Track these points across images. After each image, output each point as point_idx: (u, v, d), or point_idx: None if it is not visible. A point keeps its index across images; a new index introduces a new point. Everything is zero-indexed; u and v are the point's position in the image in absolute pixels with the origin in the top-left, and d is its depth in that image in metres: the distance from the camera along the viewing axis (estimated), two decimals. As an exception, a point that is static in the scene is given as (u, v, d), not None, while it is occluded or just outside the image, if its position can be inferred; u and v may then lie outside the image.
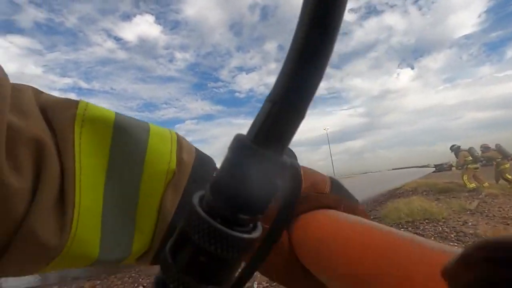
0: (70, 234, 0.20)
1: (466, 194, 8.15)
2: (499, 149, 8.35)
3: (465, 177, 8.22)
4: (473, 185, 8.01)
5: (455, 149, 8.63)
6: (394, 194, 12.59)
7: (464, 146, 8.82)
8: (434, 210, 5.44)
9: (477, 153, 8.31)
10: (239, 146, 0.15)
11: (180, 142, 0.29)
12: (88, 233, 0.21)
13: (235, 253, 0.15)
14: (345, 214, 0.27)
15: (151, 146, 0.25)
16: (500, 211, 5.70)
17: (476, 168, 8.27)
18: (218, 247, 0.15)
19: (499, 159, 8.27)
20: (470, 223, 4.73)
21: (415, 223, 5.13)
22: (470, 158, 8.18)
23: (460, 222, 4.84)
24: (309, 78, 0.14)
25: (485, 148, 8.65)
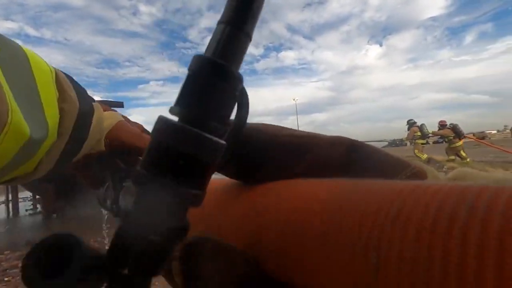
0: (9, 112, 0.21)
1: (433, 168, 8.27)
2: (453, 127, 8.77)
3: (416, 151, 8.68)
4: (425, 156, 8.36)
5: (410, 124, 9.04)
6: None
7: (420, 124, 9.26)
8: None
9: (427, 130, 8.81)
10: (203, 63, 0.18)
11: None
12: (16, 111, 0.22)
13: (212, 156, 0.17)
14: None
15: (27, 50, 0.28)
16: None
17: (423, 144, 8.82)
18: (198, 150, 0.17)
19: (451, 137, 8.71)
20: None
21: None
22: (419, 133, 8.68)
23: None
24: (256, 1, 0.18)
25: (442, 125, 9.09)
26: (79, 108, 0.31)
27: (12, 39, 0.26)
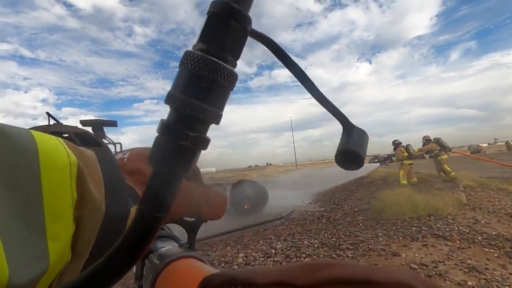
0: None
1: (441, 185, 8.26)
2: (437, 141, 8.97)
3: (401, 173, 8.72)
4: (405, 182, 8.46)
5: (396, 144, 9.16)
6: (363, 183, 12.72)
7: (412, 138, 9.67)
8: (437, 205, 5.08)
9: (413, 150, 8.89)
10: (219, 6, 0.21)
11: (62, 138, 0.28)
12: None
13: (228, 80, 0.21)
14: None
15: (40, 141, 0.23)
16: (493, 205, 5.56)
17: (411, 164, 8.82)
18: (217, 75, 0.20)
19: (437, 151, 8.85)
20: (482, 221, 4.39)
21: (422, 220, 4.71)
22: (406, 154, 8.72)
23: (470, 220, 4.49)
24: None
25: (426, 140, 9.27)
26: (106, 212, 0.27)
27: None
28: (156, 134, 0.21)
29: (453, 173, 8.65)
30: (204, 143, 0.21)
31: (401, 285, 0.15)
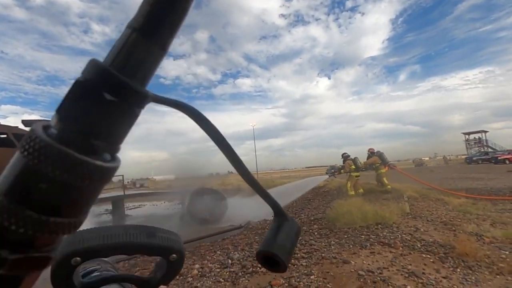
0: None
1: (389, 195, 8.95)
2: (379, 155, 9.82)
3: (348, 184, 9.33)
4: (352, 192, 9.05)
5: (345, 157, 9.70)
6: (319, 192, 13.27)
7: (365, 151, 10.29)
8: (384, 214, 5.48)
9: (360, 163, 9.54)
10: (96, 71, 0.15)
11: None
12: None
13: (86, 179, 0.14)
14: None
15: None
16: (431, 214, 6.15)
17: (358, 176, 9.45)
18: (67, 174, 0.14)
19: (378, 164, 9.67)
20: (422, 229, 4.83)
21: (371, 229, 5.04)
22: (353, 167, 9.33)
23: (412, 228, 4.91)
24: (173, 10, 0.15)
25: (371, 153, 10.12)
26: None
27: None
28: None
29: (389, 186, 9.42)
30: (38, 263, 0.15)
31: None
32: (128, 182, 43.10)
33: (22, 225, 0.14)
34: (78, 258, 0.36)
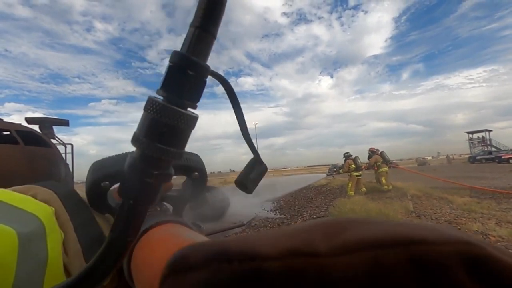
0: None
1: (392, 194, 8.90)
2: (381, 154, 9.75)
3: (349, 184, 9.25)
4: (352, 193, 8.96)
5: (346, 157, 9.63)
6: (322, 191, 13.24)
7: (367, 150, 10.20)
8: (388, 212, 5.43)
9: (360, 163, 9.50)
10: (178, 57, 0.23)
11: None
12: None
13: (187, 125, 0.23)
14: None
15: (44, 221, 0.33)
16: (435, 213, 6.09)
17: (359, 176, 9.36)
18: (176, 121, 0.22)
19: (379, 163, 9.57)
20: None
21: (374, 227, 4.99)
22: (354, 166, 9.22)
23: (416, 226, 4.85)
24: (219, 6, 0.22)
25: (372, 152, 10.07)
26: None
27: None
28: (125, 168, 0.24)
29: (386, 186, 9.36)
30: (166, 178, 0.24)
31: (461, 243, 0.11)
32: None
33: (157, 153, 0.22)
34: (107, 182, 0.41)
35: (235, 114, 0.36)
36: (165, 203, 0.51)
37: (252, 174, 0.40)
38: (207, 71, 0.24)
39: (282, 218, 7.47)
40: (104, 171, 0.41)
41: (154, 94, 0.23)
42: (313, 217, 6.76)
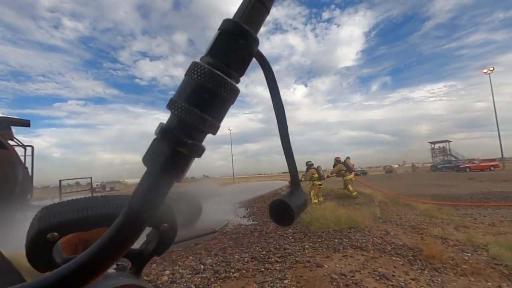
0: None
1: (361, 200, 9.22)
2: (344, 163, 10.20)
3: (312, 193, 9.50)
4: (316, 201, 9.24)
5: (309, 165, 9.90)
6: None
7: (341, 157, 10.49)
8: (357, 218, 5.60)
9: (322, 172, 9.79)
10: (230, 25, 0.22)
11: None
12: None
13: (229, 94, 0.22)
14: None
15: None
16: (400, 218, 6.39)
17: (320, 185, 9.67)
18: (219, 88, 0.21)
19: (343, 171, 10.04)
20: (392, 233, 4.97)
21: (344, 232, 5.12)
22: (317, 175, 9.52)
23: (383, 232, 5.05)
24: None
25: (337, 161, 10.49)
26: None
27: None
28: (154, 137, 0.22)
29: (354, 193, 9.72)
30: (199, 151, 0.22)
31: None
32: (97, 185, 41.07)
33: (196, 120, 0.21)
34: (55, 233, 0.34)
35: (274, 108, 0.32)
36: (124, 258, 0.44)
37: (296, 201, 0.33)
38: (256, 43, 0.23)
39: (255, 224, 7.44)
40: (54, 219, 0.34)
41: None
42: (285, 223, 6.79)
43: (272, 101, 0.32)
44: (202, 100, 0.21)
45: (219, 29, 0.23)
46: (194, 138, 0.22)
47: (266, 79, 0.30)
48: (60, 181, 14.41)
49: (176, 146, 0.21)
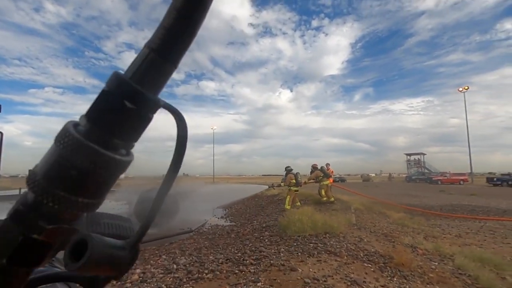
0: None
1: (338, 206, 9.42)
2: (321, 169, 10.52)
3: (287, 198, 9.63)
4: (288, 206, 9.34)
5: (288, 171, 9.98)
6: (273, 200, 13.51)
7: (319, 162, 10.80)
8: (333, 224, 5.69)
9: (300, 178, 9.92)
10: (118, 83, 0.17)
11: None
12: None
13: (107, 170, 0.17)
14: None
15: None
16: (374, 226, 6.57)
17: (296, 191, 9.82)
18: (92, 165, 0.17)
19: (321, 177, 10.34)
20: (365, 240, 5.09)
21: (319, 237, 5.18)
22: (294, 181, 9.62)
23: (357, 238, 5.16)
24: (185, 33, 0.18)
25: (314, 168, 10.79)
26: None
27: None
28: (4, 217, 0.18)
29: (324, 198, 10.02)
30: (66, 233, 0.18)
31: None
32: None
33: (57, 202, 0.17)
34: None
35: (172, 165, 0.24)
36: (77, 285, 0.37)
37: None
38: (155, 106, 0.19)
39: (232, 225, 7.40)
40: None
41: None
42: (262, 226, 6.81)
43: (172, 165, 0.24)
44: (67, 178, 0.17)
45: (106, 84, 0.18)
46: (57, 221, 0.18)
47: (177, 136, 0.23)
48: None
49: (29, 233, 0.17)
